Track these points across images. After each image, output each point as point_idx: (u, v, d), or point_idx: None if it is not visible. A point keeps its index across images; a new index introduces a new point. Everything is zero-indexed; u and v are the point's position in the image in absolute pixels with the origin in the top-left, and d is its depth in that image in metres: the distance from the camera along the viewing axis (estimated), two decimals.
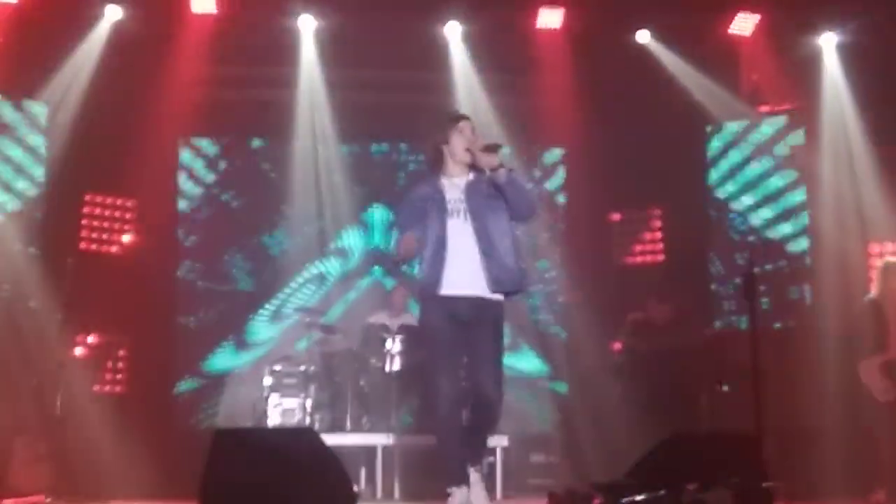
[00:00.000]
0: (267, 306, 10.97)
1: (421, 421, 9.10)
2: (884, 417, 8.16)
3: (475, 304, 5.89)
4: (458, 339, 5.92)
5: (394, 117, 10.50)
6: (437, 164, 6.09)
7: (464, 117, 6.13)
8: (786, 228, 10.17)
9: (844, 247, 9.66)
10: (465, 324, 5.89)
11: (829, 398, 9.12)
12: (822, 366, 9.23)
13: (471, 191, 5.97)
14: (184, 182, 10.89)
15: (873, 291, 8.35)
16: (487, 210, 5.92)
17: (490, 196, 5.94)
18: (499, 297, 5.95)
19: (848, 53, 9.83)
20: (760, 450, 5.73)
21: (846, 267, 9.58)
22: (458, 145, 5.98)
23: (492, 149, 5.87)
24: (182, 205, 10.87)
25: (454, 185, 6.00)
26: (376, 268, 11.19)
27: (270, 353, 10.49)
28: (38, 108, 9.75)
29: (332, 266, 11.13)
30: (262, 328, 10.93)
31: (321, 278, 11.08)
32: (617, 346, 10.19)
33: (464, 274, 5.87)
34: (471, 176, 6.01)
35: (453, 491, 5.80)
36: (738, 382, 8.73)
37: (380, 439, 8.91)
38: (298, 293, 11.02)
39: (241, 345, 10.86)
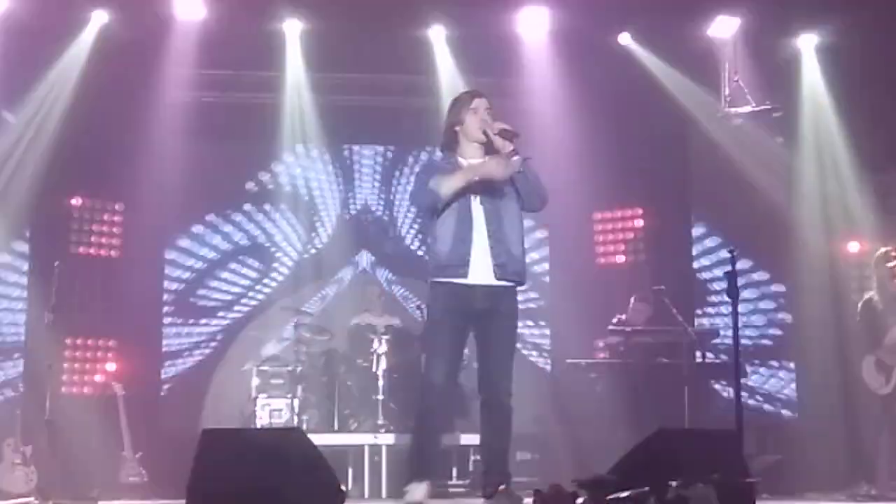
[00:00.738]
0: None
1: (408, 420, 9.16)
2: (873, 413, 8.27)
3: (492, 293, 5.67)
4: (464, 332, 5.73)
5: (380, 121, 10.57)
6: (451, 146, 5.88)
7: (477, 95, 5.92)
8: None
9: (824, 245, 9.77)
10: (479, 315, 5.68)
11: (812, 394, 9.24)
12: (804, 362, 9.35)
13: None
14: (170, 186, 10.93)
15: (872, 286, 8.41)
16: (502, 193, 5.71)
17: (505, 180, 5.72)
18: (511, 283, 5.73)
19: (827, 55, 9.93)
20: (741, 446, 5.81)
21: (826, 265, 9.69)
22: (472, 125, 5.78)
23: (507, 134, 5.67)
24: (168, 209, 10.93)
25: (470, 165, 5.77)
26: (364, 253, 11.25)
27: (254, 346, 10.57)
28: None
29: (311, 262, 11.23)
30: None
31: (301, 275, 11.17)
32: (600, 345, 10.28)
33: (479, 260, 5.64)
34: (486, 158, 5.78)
35: (414, 486, 5.67)
36: None
37: (367, 439, 8.98)
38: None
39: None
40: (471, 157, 5.81)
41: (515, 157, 5.65)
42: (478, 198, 5.68)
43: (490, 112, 5.82)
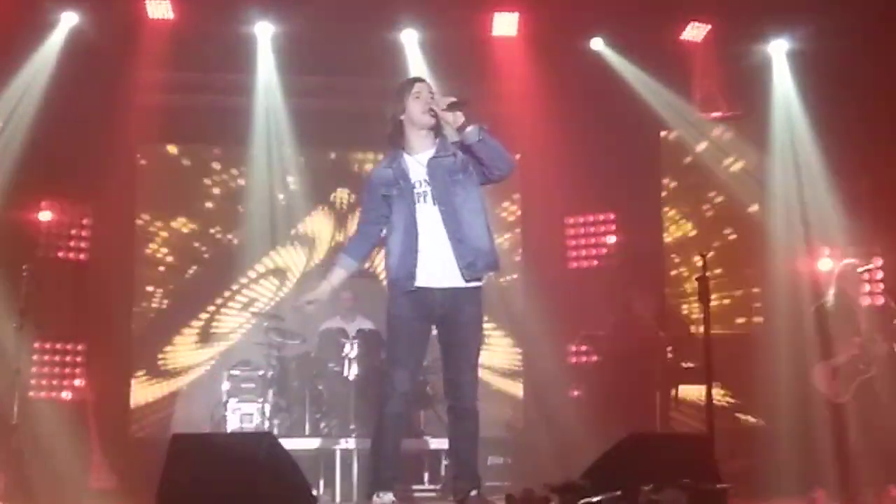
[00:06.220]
0: (231, 304, 10.97)
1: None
2: (831, 420, 8.27)
3: (452, 297, 5.46)
4: (424, 336, 5.57)
5: (351, 124, 10.54)
6: (397, 139, 5.59)
7: (418, 80, 5.69)
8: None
9: (795, 250, 9.81)
10: (441, 319, 5.50)
11: (779, 400, 9.27)
12: (773, 368, 9.38)
13: (434, 169, 5.50)
14: (142, 187, 10.88)
15: (829, 295, 8.43)
16: (455, 187, 5.48)
17: (456, 170, 5.49)
18: (476, 283, 5.49)
19: (798, 60, 9.99)
20: (713, 451, 5.82)
21: (796, 271, 9.73)
22: (416, 110, 5.50)
23: (456, 106, 5.42)
24: (140, 209, 10.87)
25: (417, 163, 5.52)
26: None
27: (229, 354, 10.49)
28: None
29: (296, 257, 11.15)
30: (225, 321, 10.92)
31: (283, 272, 11.09)
32: (577, 348, 10.28)
33: (436, 264, 5.43)
34: (433, 150, 5.54)
35: (380, 496, 5.49)
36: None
37: (338, 443, 8.95)
38: (258, 286, 11.03)
39: (205, 339, 10.85)
40: (418, 150, 5.57)
41: (470, 128, 5.43)
42: (426, 201, 5.49)
43: (433, 96, 5.57)
